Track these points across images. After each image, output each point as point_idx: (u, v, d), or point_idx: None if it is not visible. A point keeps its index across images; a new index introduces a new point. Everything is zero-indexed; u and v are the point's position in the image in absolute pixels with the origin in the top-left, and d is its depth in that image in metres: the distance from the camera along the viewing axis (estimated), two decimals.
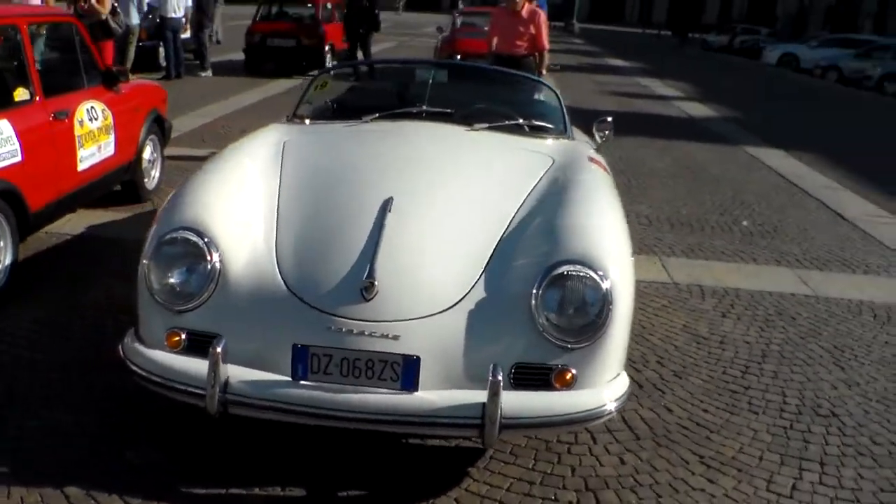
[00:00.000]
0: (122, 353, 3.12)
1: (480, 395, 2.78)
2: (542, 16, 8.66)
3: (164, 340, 3.02)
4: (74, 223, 5.84)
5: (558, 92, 4.74)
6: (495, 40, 8.64)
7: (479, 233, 3.23)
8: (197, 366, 2.91)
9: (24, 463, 3.09)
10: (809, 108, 18.61)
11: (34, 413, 3.42)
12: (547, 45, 8.70)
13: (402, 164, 3.70)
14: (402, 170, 3.62)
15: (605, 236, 3.20)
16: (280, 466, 3.18)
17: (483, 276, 3.04)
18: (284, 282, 2.99)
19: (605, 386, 3.01)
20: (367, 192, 3.34)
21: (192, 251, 3.04)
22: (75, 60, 5.31)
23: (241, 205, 3.31)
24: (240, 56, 17.62)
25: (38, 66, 4.66)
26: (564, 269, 2.96)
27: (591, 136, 4.96)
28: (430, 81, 4.69)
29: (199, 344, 2.97)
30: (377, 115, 4.29)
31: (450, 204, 3.39)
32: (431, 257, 3.09)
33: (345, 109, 4.54)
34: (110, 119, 5.50)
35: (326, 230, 3.20)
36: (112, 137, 5.55)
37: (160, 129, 6.65)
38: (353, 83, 5.23)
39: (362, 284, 2.89)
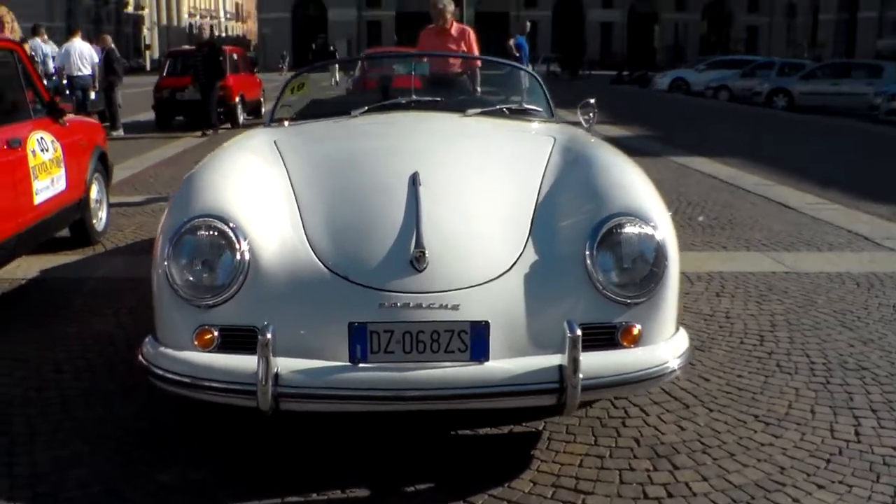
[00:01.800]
0: (143, 360, 2.82)
1: (553, 360, 2.63)
2: (472, 33, 8.64)
3: (193, 340, 2.74)
4: (25, 268, 5.42)
5: (539, 78, 4.67)
6: (424, 60, 8.55)
7: (514, 199, 3.08)
8: (239, 362, 2.66)
9: (47, 497, 2.75)
10: (713, 123, 19.26)
11: (45, 447, 3.07)
12: (479, 62, 8.65)
13: (414, 144, 3.55)
14: (416, 149, 3.46)
15: (646, 191, 3.11)
16: (335, 468, 2.93)
17: (530, 240, 2.89)
18: (323, 264, 2.76)
19: (669, 341, 2.90)
20: (389, 170, 3.16)
21: (217, 239, 2.77)
22: (21, 89, 4.96)
23: (256, 193, 3.05)
24: (142, 117, 17.17)
25: None
26: (617, 221, 2.84)
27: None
28: (413, 73, 4.56)
29: (234, 340, 2.72)
30: (366, 108, 4.12)
31: (476, 175, 3.25)
32: (475, 224, 2.93)
33: (328, 107, 4.35)
34: (60, 151, 5.16)
35: (357, 209, 2.99)
36: (63, 171, 5.20)
37: (104, 167, 6.29)
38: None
39: (412, 255, 2.69)
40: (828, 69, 25.23)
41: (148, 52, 67.38)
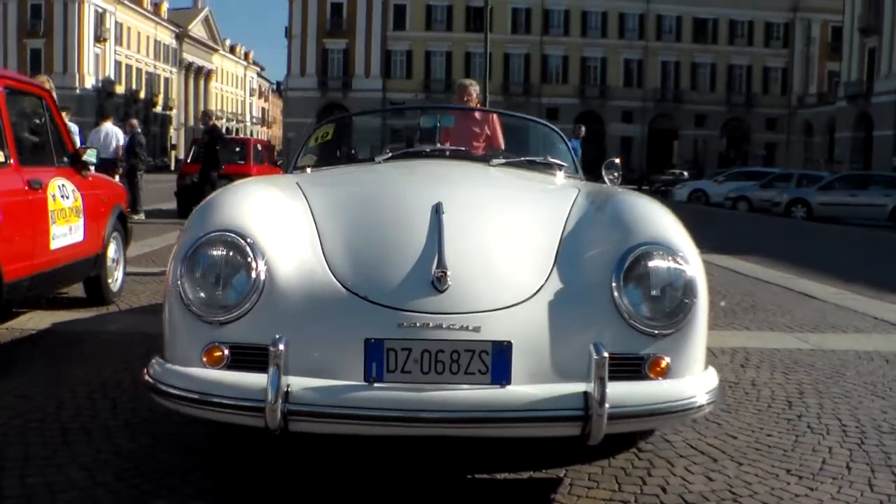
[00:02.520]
0: (150, 378, 2.70)
1: (578, 387, 2.51)
2: (496, 116, 8.71)
3: (202, 357, 2.63)
4: (37, 321, 5.37)
5: (565, 137, 4.66)
6: (448, 145, 8.62)
7: (539, 231, 2.99)
8: (249, 378, 2.54)
9: None
10: (733, 229, 19.29)
11: (37, 472, 2.93)
12: (503, 145, 8.72)
13: (439, 181, 3.49)
14: (441, 184, 3.39)
15: (674, 225, 3.02)
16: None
17: (555, 268, 2.79)
18: (342, 284, 2.67)
19: (698, 376, 2.78)
20: (413, 201, 3.08)
21: (233, 255, 2.68)
22: (46, 135, 5.01)
23: (274, 215, 2.96)
24: (165, 206, 17.36)
25: (12, 129, 4.34)
26: (644, 250, 2.75)
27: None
28: (438, 125, 4.55)
29: (244, 358, 2.61)
30: (390, 154, 4.09)
31: (500, 208, 3.19)
32: (499, 250, 2.84)
33: (351, 155, 4.33)
34: (80, 201, 5.16)
35: (378, 235, 2.90)
36: (82, 221, 5.18)
37: (123, 227, 6.28)
38: (357, 132, 5.03)
39: (433, 276, 2.60)
40: (846, 180, 25.40)
41: (174, 152, 68.88)
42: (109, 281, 6.01)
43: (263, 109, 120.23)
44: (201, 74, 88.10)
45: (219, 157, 14.18)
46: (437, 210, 2.86)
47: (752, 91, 66.02)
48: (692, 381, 2.73)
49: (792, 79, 65.13)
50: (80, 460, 3.04)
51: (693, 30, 65.36)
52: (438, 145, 4.24)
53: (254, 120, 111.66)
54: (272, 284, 2.66)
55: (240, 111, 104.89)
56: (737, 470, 3.18)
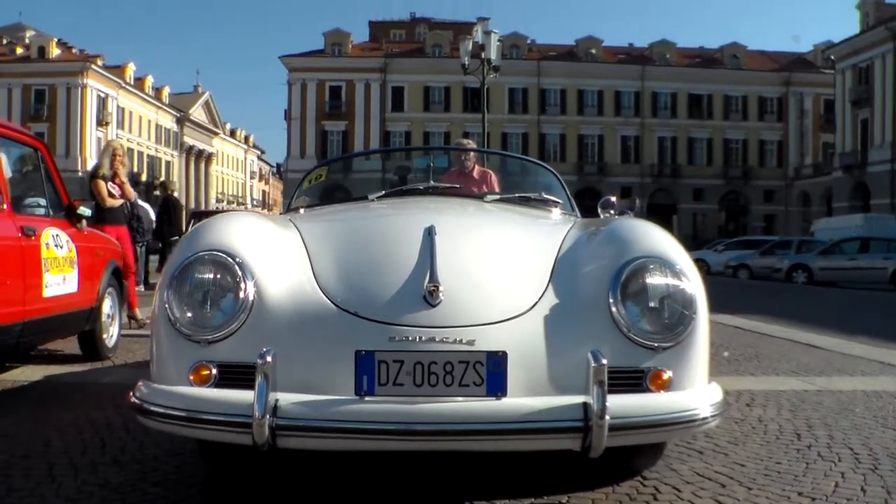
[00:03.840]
0: (136, 400, 2.63)
1: (577, 399, 2.44)
2: (494, 177, 8.74)
3: (189, 376, 2.57)
4: (30, 374, 5.28)
5: (560, 177, 4.65)
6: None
7: (534, 251, 2.97)
8: (237, 395, 2.48)
9: None
10: (735, 293, 19.21)
11: (20, 502, 2.82)
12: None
13: (433, 211, 3.45)
14: (435, 213, 3.35)
15: (670, 242, 2.98)
16: None
17: (551, 284, 2.76)
18: (331, 301, 2.63)
19: (701, 389, 2.71)
20: (405, 225, 3.06)
21: (221, 274, 2.65)
22: (40, 185, 5.01)
23: (265, 238, 2.92)
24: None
25: (5, 176, 4.34)
26: (641, 263, 2.73)
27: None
28: (431, 165, 4.55)
29: (232, 377, 2.56)
30: (383, 192, 4.07)
31: (495, 232, 3.16)
32: (493, 267, 2.80)
33: (346, 196, 4.31)
34: (74, 252, 5.13)
35: (370, 255, 2.87)
36: (75, 272, 5.14)
37: (119, 284, 6.23)
38: (351, 174, 5.03)
39: (425, 290, 2.56)
40: (846, 245, 25.38)
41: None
42: (104, 336, 5.93)
43: (264, 192, 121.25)
44: (202, 158, 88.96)
45: (163, 228, 14.44)
46: (430, 232, 2.83)
47: (748, 164, 66.56)
48: (695, 394, 2.66)
49: (788, 151, 65.79)
50: (64, 493, 2.93)
51: (688, 106, 66.27)
52: (432, 183, 4.22)
53: (254, 202, 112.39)
54: (261, 303, 2.62)
55: (240, 194, 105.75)
56: (747, 494, 3.07)
